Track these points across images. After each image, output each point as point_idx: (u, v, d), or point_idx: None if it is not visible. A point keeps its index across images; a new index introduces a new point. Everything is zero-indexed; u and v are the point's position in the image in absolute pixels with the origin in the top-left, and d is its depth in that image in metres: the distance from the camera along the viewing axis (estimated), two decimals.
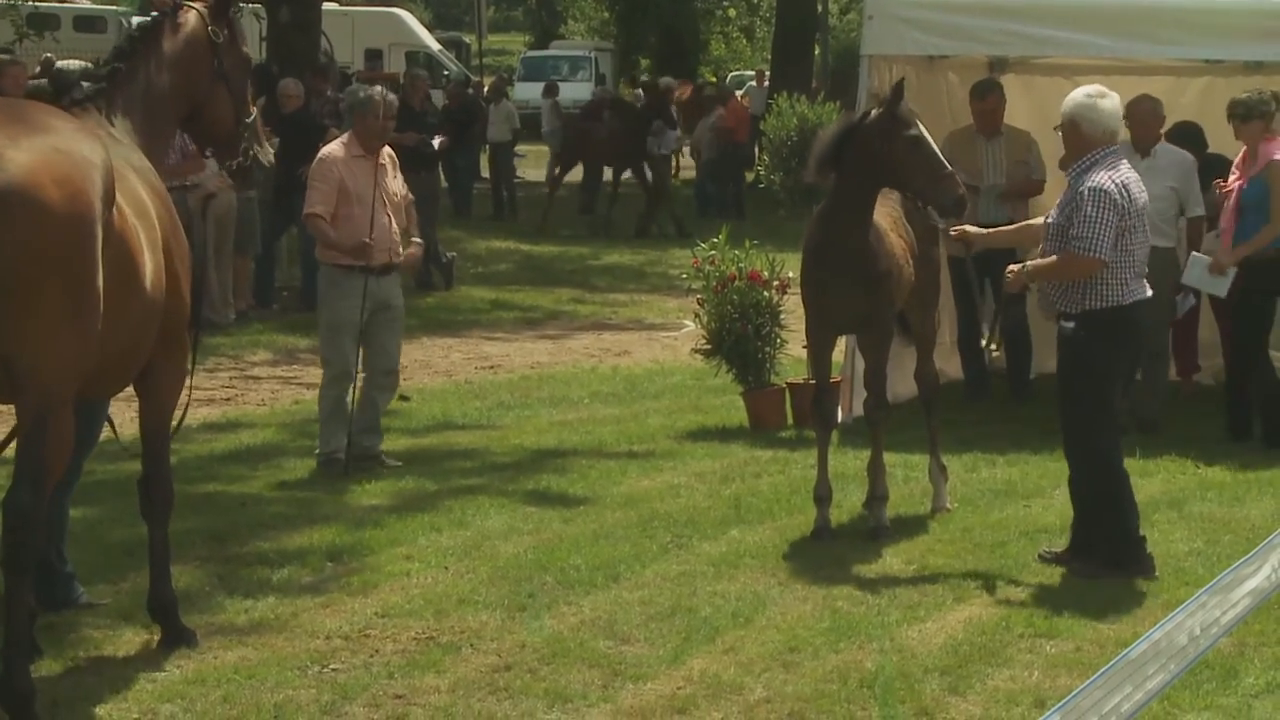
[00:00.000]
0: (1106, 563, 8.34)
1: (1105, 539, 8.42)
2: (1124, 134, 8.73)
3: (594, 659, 7.16)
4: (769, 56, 41.08)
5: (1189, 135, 12.54)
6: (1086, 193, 8.23)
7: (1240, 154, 11.75)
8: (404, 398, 11.47)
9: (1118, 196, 8.22)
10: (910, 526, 9.29)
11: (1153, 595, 8.00)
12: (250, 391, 13.80)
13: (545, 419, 12.58)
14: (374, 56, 37.75)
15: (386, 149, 10.83)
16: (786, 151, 25.36)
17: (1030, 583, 8.27)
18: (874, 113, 8.99)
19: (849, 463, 10.40)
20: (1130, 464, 10.64)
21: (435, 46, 46.66)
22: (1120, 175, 8.33)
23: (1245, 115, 11.48)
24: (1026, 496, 10.02)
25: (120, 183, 6.65)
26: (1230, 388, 11.87)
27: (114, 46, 7.54)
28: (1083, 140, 8.40)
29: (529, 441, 11.71)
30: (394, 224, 10.70)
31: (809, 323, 9.39)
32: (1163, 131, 12.47)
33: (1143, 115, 11.84)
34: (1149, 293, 8.50)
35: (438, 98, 26.68)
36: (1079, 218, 8.23)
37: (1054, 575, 8.37)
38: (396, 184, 10.79)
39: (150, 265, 6.75)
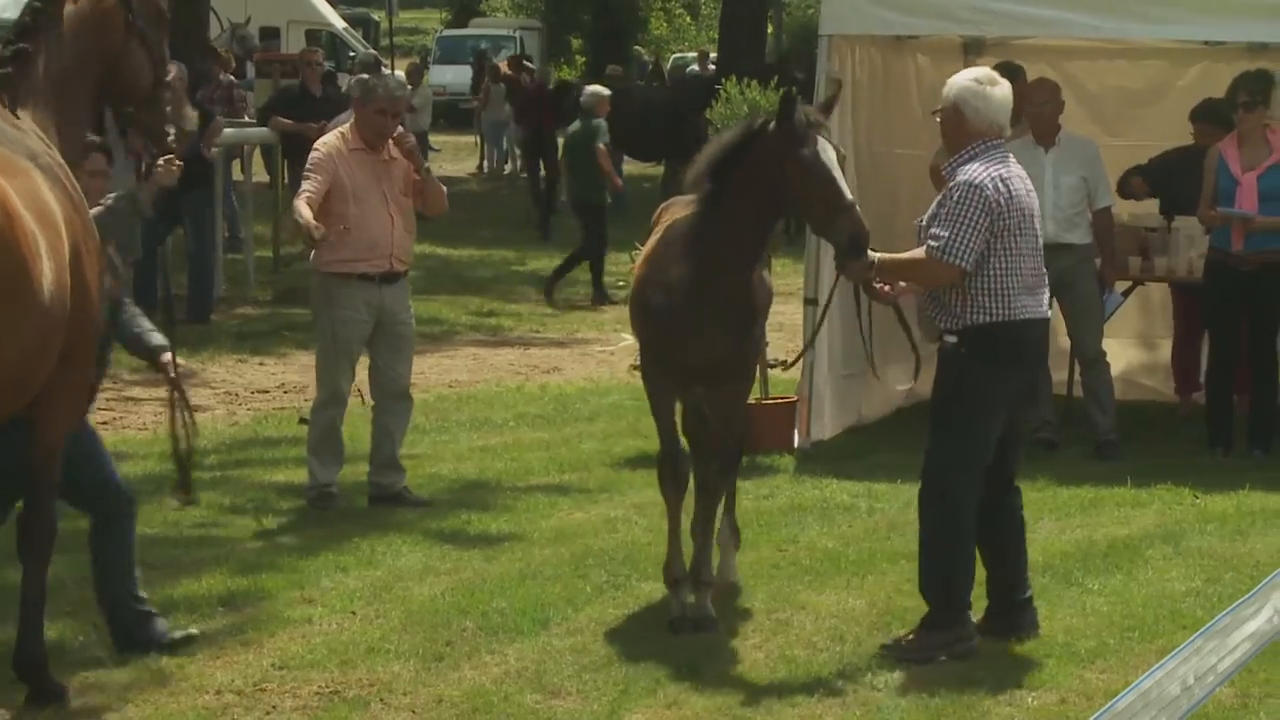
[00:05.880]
0: (925, 625, 7.98)
1: (928, 591, 8.05)
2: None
3: (521, 714, 7.18)
4: (715, 36, 41.20)
5: (1217, 114, 12.63)
6: (955, 188, 7.90)
7: (1228, 141, 11.97)
8: (303, 420, 11.45)
9: (991, 193, 7.84)
10: (874, 562, 9.34)
11: (1146, 640, 8.07)
12: (130, 415, 13.73)
13: (465, 444, 12.58)
14: (270, 35, 37.50)
15: (391, 142, 10.71)
16: None
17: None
18: (773, 123, 8.06)
19: (808, 492, 10.44)
20: (1122, 493, 10.83)
21: (340, 24, 46.49)
22: (1003, 169, 7.96)
23: (1250, 103, 11.79)
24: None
25: (13, 180, 6.61)
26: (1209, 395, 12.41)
27: (15, 22, 7.43)
28: (965, 131, 8.03)
29: (446, 470, 11.71)
30: (402, 225, 10.60)
31: (653, 370, 8.63)
32: (1190, 110, 12.75)
33: (1043, 99, 12.11)
34: (1045, 311, 8.14)
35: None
36: (942, 214, 7.91)
37: (1037, 617, 8.42)
38: (403, 182, 10.65)
39: (49, 277, 6.71)
